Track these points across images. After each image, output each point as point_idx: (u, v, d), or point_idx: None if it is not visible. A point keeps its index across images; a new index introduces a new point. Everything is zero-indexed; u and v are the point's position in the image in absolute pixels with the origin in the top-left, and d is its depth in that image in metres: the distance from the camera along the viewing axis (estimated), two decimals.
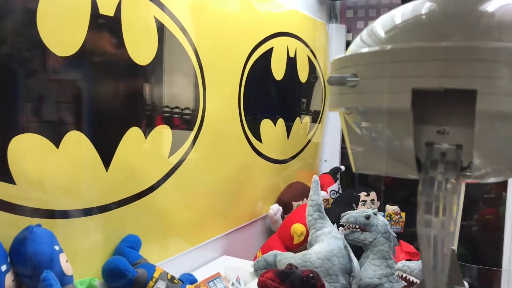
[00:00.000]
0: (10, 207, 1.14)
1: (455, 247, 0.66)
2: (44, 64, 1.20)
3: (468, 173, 0.51)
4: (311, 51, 2.76)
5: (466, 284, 2.04)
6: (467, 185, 0.68)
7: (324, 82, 2.92)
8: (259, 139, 2.27)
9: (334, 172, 2.87)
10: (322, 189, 2.56)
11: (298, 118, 2.68)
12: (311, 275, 1.11)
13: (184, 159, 1.72)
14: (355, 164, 0.57)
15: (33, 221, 1.18)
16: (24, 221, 1.16)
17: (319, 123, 2.99)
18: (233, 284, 1.62)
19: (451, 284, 0.61)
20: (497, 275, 2.28)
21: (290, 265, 1.17)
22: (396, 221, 2.24)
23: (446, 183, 0.49)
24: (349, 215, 1.71)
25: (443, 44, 0.43)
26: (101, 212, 1.38)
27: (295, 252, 1.67)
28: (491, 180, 0.61)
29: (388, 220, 2.16)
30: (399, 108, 0.45)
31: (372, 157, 0.55)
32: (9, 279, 1.04)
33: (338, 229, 1.73)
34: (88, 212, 1.34)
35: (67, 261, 1.15)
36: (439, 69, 0.43)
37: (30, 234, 1.10)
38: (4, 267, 1.04)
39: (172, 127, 1.65)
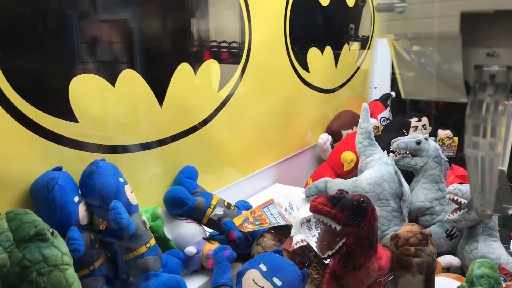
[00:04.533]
0: (76, 143, 1.23)
1: (505, 168, 0.66)
2: (94, 5, 1.23)
3: None
4: None
5: None
6: None
7: (372, 5, 2.81)
8: (307, 69, 2.26)
9: (384, 98, 2.83)
10: (372, 116, 2.55)
11: (346, 45, 2.62)
12: (362, 199, 1.14)
13: (233, 93, 1.75)
14: (405, 89, 0.58)
15: (98, 156, 1.26)
16: (90, 157, 1.25)
17: (368, 49, 2.91)
18: (285, 209, 1.69)
19: (499, 203, 0.63)
20: None
21: (341, 190, 1.20)
22: (449, 145, 2.21)
23: (495, 105, 0.49)
24: (399, 141, 1.71)
25: None
26: (159, 146, 1.46)
27: (345, 179, 1.71)
28: None
29: (440, 145, 2.14)
30: (448, 33, 0.45)
31: (421, 82, 0.56)
32: (82, 209, 1.15)
33: (389, 155, 1.73)
34: (147, 146, 1.42)
35: (131, 192, 1.23)
36: None
37: (97, 168, 1.18)
38: (76, 198, 1.14)
39: (219, 61, 1.67)
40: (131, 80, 1.34)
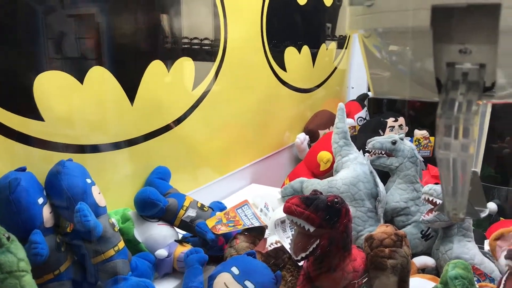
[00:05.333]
0: (41, 143, 1.18)
1: (478, 169, 0.65)
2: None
3: (491, 94, 0.49)
4: None
5: (494, 205, 2.05)
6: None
7: None
8: (284, 68, 2.24)
9: (361, 98, 2.83)
10: (349, 116, 2.55)
11: (323, 44, 2.61)
12: (336, 200, 1.12)
13: (208, 91, 1.72)
14: (375, 88, 0.56)
15: (65, 156, 1.22)
16: (56, 156, 1.20)
17: (345, 48, 2.91)
18: (261, 210, 1.67)
19: (471, 206, 0.61)
20: None
21: (315, 191, 1.18)
22: (425, 145, 2.22)
23: (468, 104, 0.48)
24: (375, 141, 1.70)
25: None
26: (130, 146, 1.42)
27: (321, 179, 1.69)
28: None
29: (417, 145, 2.14)
30: (419, 27, 0.43)
31: (392, 81, 0.54)
32: (46, 211, 1.10)
33: (364, 155, 1.73)
34: (117, 145, 1.37)
35: (99, 193, 1.19)
36: None
37: (63, 168, 1.14)
38: (41, 200, 1.09)
39: (194, 59, 1.63)
40: (101, 77, 1.30)
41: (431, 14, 0.42)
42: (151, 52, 1.46)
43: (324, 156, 2.05)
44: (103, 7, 1.29)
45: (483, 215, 0.68)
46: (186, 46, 1.60)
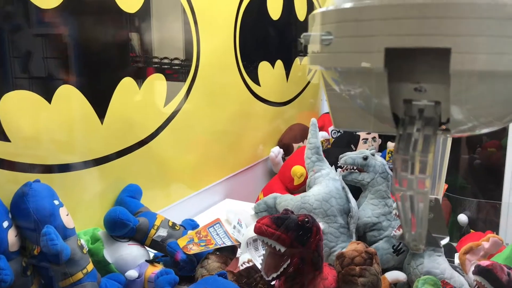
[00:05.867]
0: (7, 164, 1.16)
1: (440, 196, 0.66)
2: (28, 18, 1.17)
3: (447, 129, 0.51)
4: None
5: (464, 217, 2.08)
6: None
7: None
8: (258, 83, 2.25)
9: None
10: (323, 129, 2.56)
11: (297, 58, 2.63)
12: (306, 219, 1.13)
13: (180, 107, 1.71)
14: (335, 121, 0.57)
15: (32, 177, 1.19)
16: (23, 177, 1.17)
17: None
18: (234, 227, 1.66)
19: (431, 235, 0.62)
20: (497, 208, 2.31)
21: (286, 210, 1.18)
22: None
23: (425, 139, 0.48)
24: (347, 157, 1.71)
25: (415, 1, 0.41)
26: (100, 164, 1.40)
27: (296, 193, 1.69)
28: (485, 130, 0.59)
29: (390, 157, 2.16)
30: (373, 68, 0.44)
31: (351, 114, 0.55)
32: (11, 234, 1.07)
33: (336, 171, 1.74)
34: (86, 164, 1.35)
35: (67, 215, 1.17)
36: (411, 27, 0.41)
37: (29, 190, 1.11)
38: (6, 224, 1.06)
39: (166, 76, 1.63)
40: (69, 96, 1.28)
41: (385, 55, 0.43)
42: (121, 70, 1.44)
43: (297, 170, 2.06)
44: (72, 25, 1.27)
45: (443, 242, 0.69)
46: (157, 63, 1.59)
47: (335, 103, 0.56)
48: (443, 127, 0.51)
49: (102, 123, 1.39)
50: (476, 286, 1.20)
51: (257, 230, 1.10)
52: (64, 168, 1.29)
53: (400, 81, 0.47)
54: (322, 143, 2.41)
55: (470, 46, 0.40)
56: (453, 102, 0.46)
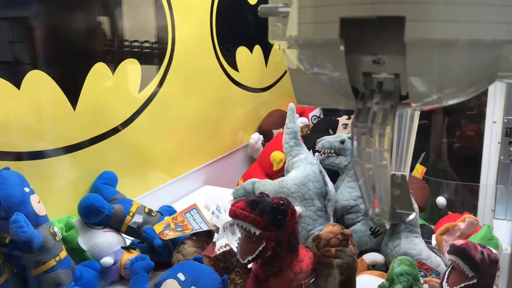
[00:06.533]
0: None
1: (406, 173, 0.66)
2: None
3: (407, 102, 0.50)
4: None
5: (443, 199, 2.11)
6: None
7: None
8: (236, 68, 2.23)
9: None
10: (303, 115, 2.56)
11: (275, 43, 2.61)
12: (281, 202, 1.13)
13: (156, 93, 1.69)
14: (297, 97, 0.56)
15: (1, 164, 1.17)
16: None
17: None
18: (213, 212, 1.65)
19: (395, 211, 0.62)
20: (475, 190, 2.34)
21: (261, 193, 1.18)
22: None
23: (384, 113, 0.48)
24: (324, 141, 1.72)
25: None
26: (73, 151, 1.38)
27: (275, 178, 1.69)
28: (452, 102, 0.59)
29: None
30: (329, 40, 0.43)
31: (313, 90, 0.54)
32: None
33: (314, 155, 1.74)
34: (58, 152, 1.33)
35: (39, 202, 1.15)
36: None
37: None
38: None
39: (140, 61, 1.60)
40: (39, 82, 1.25)
41: (340, 26, 0.42)
42: (93, 55, 1.42)
43: (276, 156, 2.06)
44: (40, 9, 1.24)
45: (409, 218, 0.70)
46: (131, 47, 1.57)
47: (296, 79, 0.55)
48: (408, 102, 0.51)
49: (74, 110, 1.36)
50: (451, 265, 1.22)
51: (232, 213, 1.10)
52: (35, 155, 1.27)
53: (358, 53, 0.46)
54: (302, 129, 2.41)
55: (425, 14, 0.40)
56: (413, 74, 0.46)
